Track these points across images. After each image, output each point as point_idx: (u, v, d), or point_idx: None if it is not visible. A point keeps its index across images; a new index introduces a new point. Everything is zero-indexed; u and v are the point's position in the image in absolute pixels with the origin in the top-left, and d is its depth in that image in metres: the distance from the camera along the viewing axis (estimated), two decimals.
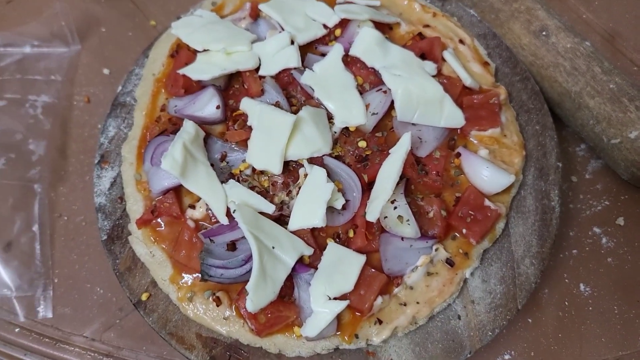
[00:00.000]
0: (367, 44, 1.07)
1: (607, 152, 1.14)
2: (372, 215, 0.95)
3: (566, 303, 1.09)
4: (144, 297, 1.00)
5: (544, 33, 1.18)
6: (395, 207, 0.96)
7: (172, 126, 1.07)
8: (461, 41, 1.15)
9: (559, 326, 1.08)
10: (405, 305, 0.96)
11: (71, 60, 1.30)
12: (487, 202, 1.00)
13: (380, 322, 0.95)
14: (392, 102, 1.06)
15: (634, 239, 1.13)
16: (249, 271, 0.92)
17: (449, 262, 0.98)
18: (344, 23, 1.14)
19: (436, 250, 0.98)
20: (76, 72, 1.31)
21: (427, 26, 1.16)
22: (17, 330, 1.10)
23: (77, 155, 1.22)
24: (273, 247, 0.93)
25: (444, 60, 1.12)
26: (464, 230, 0.98)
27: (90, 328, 1.10)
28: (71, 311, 1.11)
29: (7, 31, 1.30)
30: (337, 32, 1.14)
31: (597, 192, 1.18)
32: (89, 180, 1.19)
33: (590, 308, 1.09)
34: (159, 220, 1.02)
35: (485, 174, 1.00)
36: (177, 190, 1.03)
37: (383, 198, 0.95)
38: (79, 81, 1.30)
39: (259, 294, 0.89)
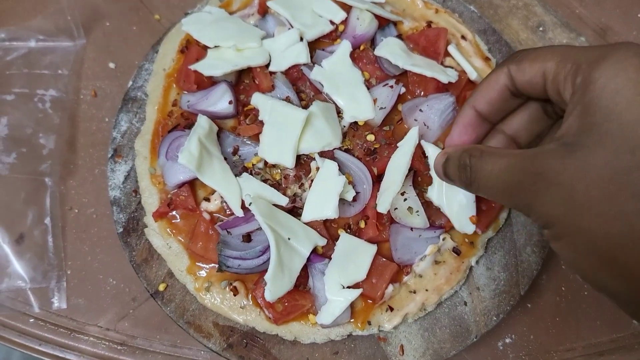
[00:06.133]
0: (392, 47, 1.11)
1: None
2: (382, 207, 0.98)
3: (563, 288, 1.14)
4: (161, 287, 1.02)
5: (540, 29, 1.23)
6: (405, 199, 1.00)
7: (185, 121, 1.09)
8: (463, 37, 1.19)
9: (556, 310, 1.13)
10: (414, 292, 1.00)
11: (77, 54, 1.31)
12: None
13: (391, 309, 0.99)
14: (399, 96, 1.10)
15: None
16: (266, 262, 0.95)
17: (456, 251, 1.02)
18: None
19: (443, 239, 1.02)
20: (82, 66, 1.31)
21: (429, 22, 1.19)
22: (31, 320, 1.12)
23: (86, 149, 1.23)
24: (289, 239, 0.96)
25: (446, 54, 1.16)
26: None
27: (104, 318, 1.12)
28: (85, 302, 1.13)
29: (13, 26, 1.30)
30: (341, 27, 1.17)
31: None
32: (99, 173, 1.21)
33: (586, 293, 1.14)
34: (174, 212, 1.04)
35: None
36: (192, 184, 1.05)
37: (393, 190, 0.98)
38: (85, 75, 1.31)
39: (276, 284, 0.92)
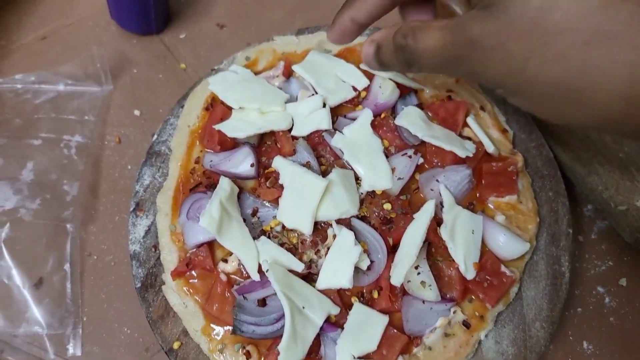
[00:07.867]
0: (412, 117, 1.14)
1: (614, 217, 1.20)
2: (396, 280, 1.00)
3: (570, 359, 1.15)
4: (175, 345, 1.05)
5: None
6: (418, 273, 1.02)
7: (207, 180, 1.12)
8: (482, 107, 1.21)
9: None
10: None
11: (104, 100, 1.35)
12: (503, 268, 1.06)
13: None
14: (417, 166, 1.12)
15: (634, 299, 1.20)
16: (280, 329, 0.98)
17: (466, 324, 1.04)
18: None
19: (454, 312, 1.04)
20: (108, 112, 1.35)
21: (450, 91, 1.21)
22: None
23: (108, 195, 1.27)
24: (303, 307, 0.98)
25: (465, 124, 1.18)
26: (481, 295, 1.04)
27: None
28: (99, 350, 1.15)
29: (43, 70, 1.34)
30: (363, 93, 1.20)
31: (602, 253, 1.24)
32: (119, 221, 1.24)
33: None
34: (192, 272, 1.07)
35: (502, 240, 1.06)
36: (210, 243, 1.08)
37: (407, 262, 1.01)
38: (110, 121, 1.34)
39: (289, 354, 0.94)
